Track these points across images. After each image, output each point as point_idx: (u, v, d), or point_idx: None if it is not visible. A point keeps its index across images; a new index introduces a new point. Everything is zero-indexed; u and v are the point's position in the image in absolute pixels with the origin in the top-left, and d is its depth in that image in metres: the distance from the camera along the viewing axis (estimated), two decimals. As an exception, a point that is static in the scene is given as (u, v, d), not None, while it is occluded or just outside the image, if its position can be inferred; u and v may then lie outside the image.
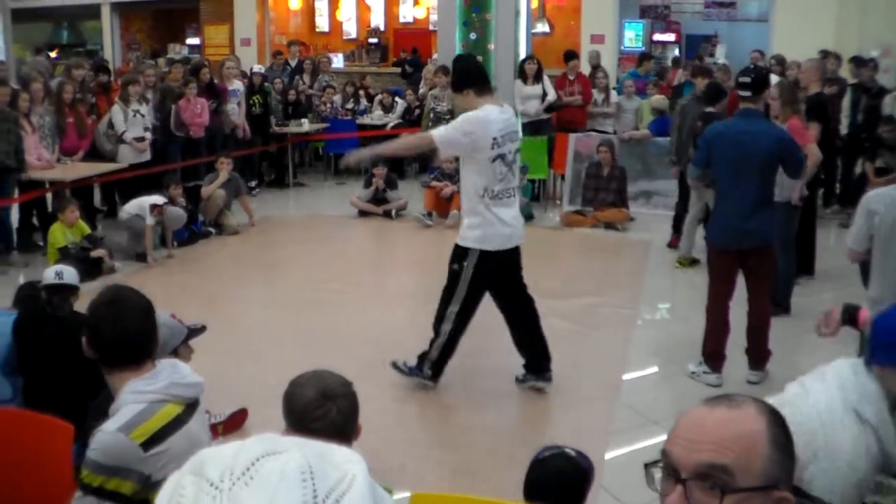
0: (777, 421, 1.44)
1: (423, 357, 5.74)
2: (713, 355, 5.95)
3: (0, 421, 3.62)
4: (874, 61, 11.88)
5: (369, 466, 0.91)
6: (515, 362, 5.92)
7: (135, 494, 2.42)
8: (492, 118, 5.31)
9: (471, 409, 5.61)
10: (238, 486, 0.82)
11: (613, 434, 5.14)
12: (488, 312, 5.78)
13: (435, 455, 4.96)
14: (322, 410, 2.41)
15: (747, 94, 5.73)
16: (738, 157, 5.59)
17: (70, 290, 4.93)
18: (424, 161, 12.09)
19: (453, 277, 5.50)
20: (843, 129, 10.48)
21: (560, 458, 3.01)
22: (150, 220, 8.83)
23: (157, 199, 8.97)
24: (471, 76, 5.55)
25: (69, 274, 4.95)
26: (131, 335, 2.60)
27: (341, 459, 0.89)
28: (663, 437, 4.98)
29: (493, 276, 5.53)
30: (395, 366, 5.84)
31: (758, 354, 5.95)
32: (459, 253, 5.47)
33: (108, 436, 2.41)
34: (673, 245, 9.50)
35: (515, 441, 4.97)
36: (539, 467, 3.00)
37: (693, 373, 6.02)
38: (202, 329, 4.25)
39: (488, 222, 5.37)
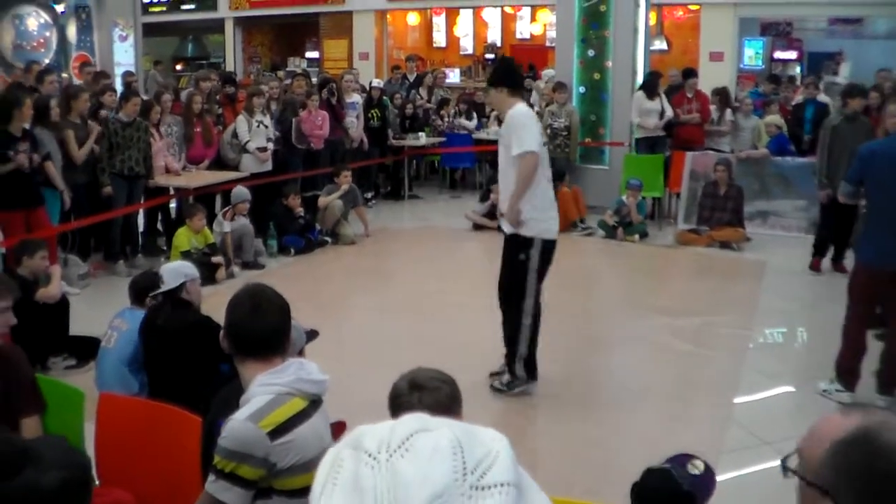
0: (862, 442, 1.42)
1: (510, 365, 5.89)
2: (849, 373, 5.86)
3: (134, 411, 3.80)
4: None
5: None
6: (628, 381, 5.90)
7: (261, 480, 2.53)
8: (530, 113, 5.89)
9: (588, 423, 5.63)
10: (395, 458, 0.90)
11: (725, 454, 5.09)
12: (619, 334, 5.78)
13: (553, 469, 5.00)
14: (407, 399, 2.56)
15: None
16: None
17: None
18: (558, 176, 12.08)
19: (520, 268, 5.69)
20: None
21: (665, 475, 2.94)
22: (226, 227, 9.12)
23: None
24: (512, 75, 6.00)
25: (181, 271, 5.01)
26: (268, 329, 2.73)
27: (487, 438, 0.95)
28: (776, 459, 4.92)
29: (547, 264, 5.78)
30: (494, 389, 5.95)
31: (891, 379, 5.82)
32: (522, 243, 5.68)
33: (238, 424, 2.53)
34: (815, 268, 9.31)
35: (629, 457, 4.97)
36: (641, 483, 2.95)
37: (825, 391, 5.93)
38: (315, 334, 4.37)
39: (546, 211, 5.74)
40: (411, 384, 2.58)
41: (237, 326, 2.75)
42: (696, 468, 2.99)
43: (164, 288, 4.78)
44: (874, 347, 5.96)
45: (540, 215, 5.70)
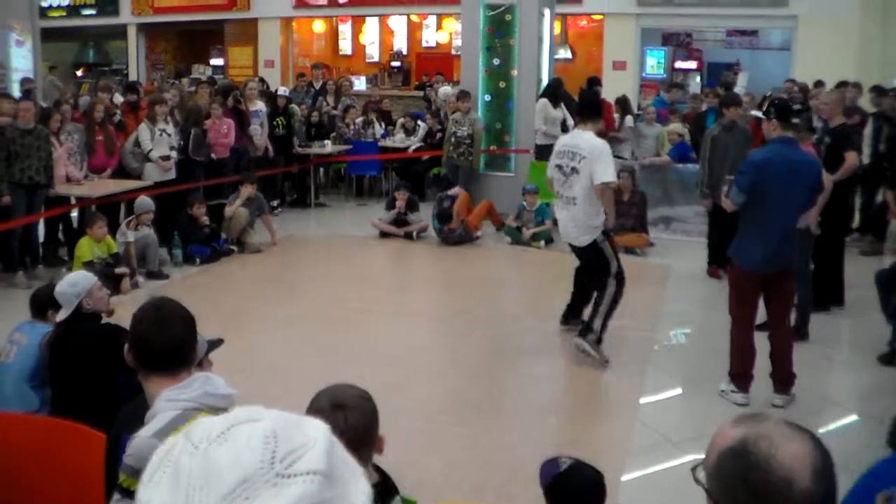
0: (741, 453, 1.50)
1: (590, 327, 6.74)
2: (740, 376, 6.00)
3: (32, 430, 3.70)
4: (895, 90, 11.91)
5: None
6: (536, 385, 5.96)
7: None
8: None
9: (493, 429, 5.67)
10: (213, 446, 0.95)
11: (632, 455, 5.18)
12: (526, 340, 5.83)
13: (457, 472, 5.01)
14: (331, 421, 2.45)
15: (795, 122, 5.87)
16: (790, 185, 5.68)
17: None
18: (445, 184, 12.17)
19: (600, 259, 6.84)
20: (865, 158, 10.49)
21: (587, 469, 3.08)
22: (130, 237, 8.98)
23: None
24: (600, 109, 7.29)
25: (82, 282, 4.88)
26: (173, 343, 2.69)
27: (309, 428, 1.01)
28: (681, 458, 5.05)
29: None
30: (583, 350, 6.68)
31: (783, 378, 5.99)
32: (594, 244, 6.80)
33: (143, 441, 2.48)
34: (714, 275, 9.48)
35: (536, 460, 5.02)
36: (565, 479, 3.06)
37: (722, 391, 6.08)
38: (220, 342, 4.31)
39: None
40: (334, 404, 2.49)
41: (141, 340, 2.70)
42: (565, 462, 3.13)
43: (61, 315, 4.63)
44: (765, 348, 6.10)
45: (598, 221, 6.74)
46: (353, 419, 2.49)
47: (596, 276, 6.93)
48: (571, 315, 7.47)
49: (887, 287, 7.04)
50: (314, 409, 2.48)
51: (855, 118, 10.08)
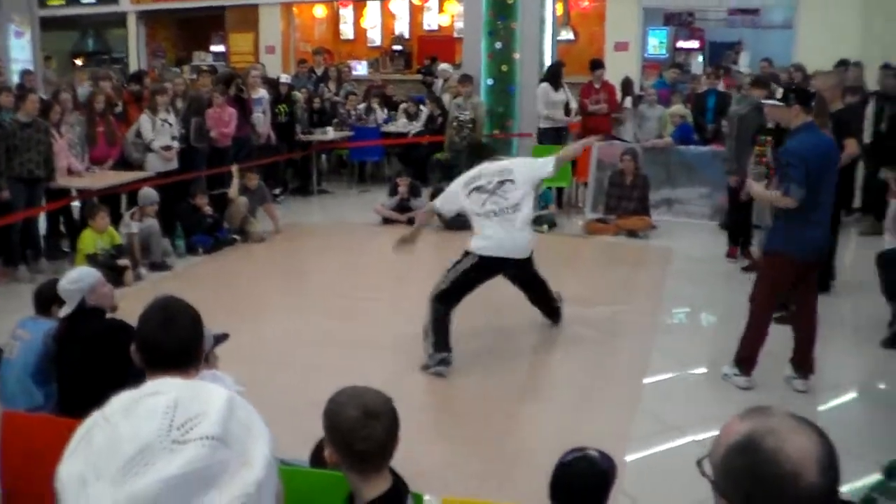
0: (748, 448, 1.51)
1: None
2: (748, 360, 6.01)
3: (41, 428, 3.71)
4: (894, 69, 11.84)
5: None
6: (538, 372, 5.98)
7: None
8: None
9: (495, 418, 5.69)
10: (120, 420, 1.04)
11: (634, 440, 5.20)
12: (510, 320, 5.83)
13: (461, 462, 5.04)
14: (367, 431, 2.41)
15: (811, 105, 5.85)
16: (830, 171, 5.75)
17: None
18: (448, 169, 12.15)
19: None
20: (866, 137, 10.46)
21: (583, 461, 3.11)
22: (133, 228, 8.98)
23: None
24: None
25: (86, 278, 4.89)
26: (181, 343, 2.71)
27: (210, 396, 1.09)
28: (682, 442, 5.06)
29: None
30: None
31: (809, 364, 6.00)
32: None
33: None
34: (732, 255, 9.51)
35: (538, 448, 5.04)
36: (563, 470, 3.10)
37: (725, 374, 6.10)
38: (225, 336, 4.32)
39: None
40: (367, 413, 2.44)
41: (148, 341, 2.72)
42: (595, 453, 3.14)
43: (64, 311, 4.65)
44: (775, 332, 6.11)
45: None
46: (388, 426, 2.47)
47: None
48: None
49: (889, 268, 7.04)
50: (346, 418, 2.44)
51: (856, 97, 10.05)
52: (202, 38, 22.74)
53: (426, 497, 2.94)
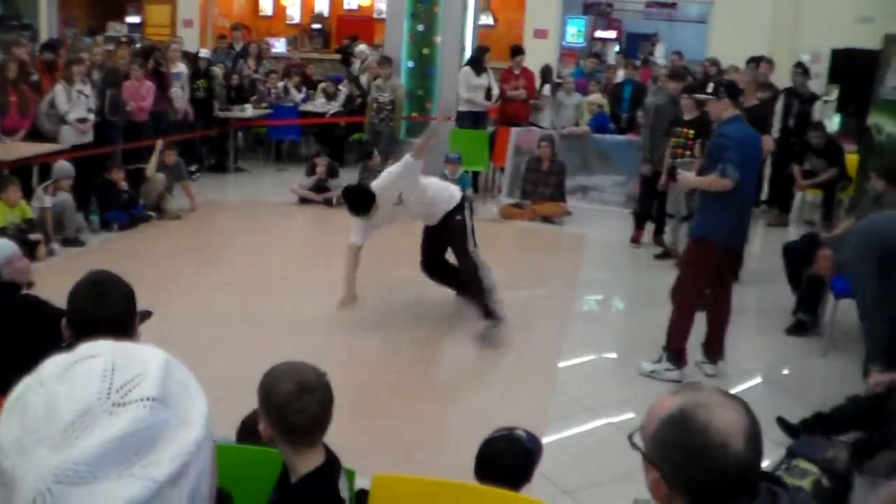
0: (680, 422, 1.61)
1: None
2: (681, 353, 6.11)
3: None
4: (804, 66, 12.25)
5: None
6: (456, 355, 6.08)
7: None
8: None
9: (419, 399, 5.78)
10: (56, 384, 1.03)
11: (551, 421, 5.33)
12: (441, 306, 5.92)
13: (384, 441, 5.10)
14: (302, 403, 2.46)
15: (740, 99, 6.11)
16: (756, 161, 6.07)
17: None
18: (366, 151, 12.17)
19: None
20: (775, 132, 10.81)
21: (509, 439, 3.22)
22: (46, 202, 8.80)
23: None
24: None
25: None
26: (113, 317, 2.69)
27: (145, 357, 1.09)
28: (598, 423, 5.21)
29: None
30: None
31: (719, 349, 6.22)
32: None
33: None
34: (636, 240, 9.76)
35: (461, 428, 5.16)
36: (489, 447, 3.21)
37: (653, 372, 6.11)
38: (149, 314, 4.30)
39: None
40: (302, 387, 2.49)
41: (81, 316, 2.69)
42: (522, 432, 3.26)
43: None
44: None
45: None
46: (322, 400, 2.52)
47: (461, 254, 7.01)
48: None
49: (794, 258, 7.32)
50: (280, 391, 2.47)
51: (767, 93, 10.37)
52: (117, 7, 22.21)
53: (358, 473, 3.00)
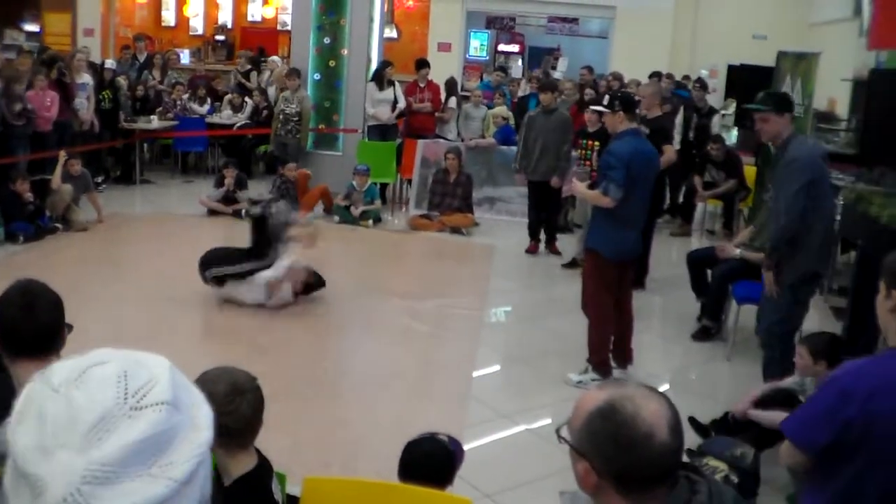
0: (609, 414, 1.72)
1: None
2: (605, 363, 6.27)
3: None
4: (702, 81, 12.71)
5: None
6: (370, 362, 6.17)
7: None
8: None
9: (333, 406, 5.88)
10: (72, 390, 1.10)
11: (468, 428, 5.45)
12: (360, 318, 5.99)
13: (303, 449, 5.15)
14: (233, 405, 2.56)
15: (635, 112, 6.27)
16: (649, 176, 6.11)
17: None
18: (271, 162, 12.18)
19: None
20: (675, 145, 11.17)
21: (430, 441, 3.35)
22: None
23: None
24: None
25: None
26: (43, 328, 2.68)
27: (152, 364, 1.18)
28: (515, 430, 5.36)
29: None
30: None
31: (628, 355, 6.42)
32: None
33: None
34: (532, 251, 10.01)
35: (377, 435, 5.25)
36: (412, 448, 3.33)
37: (580, 382, 6.21)
38: (70, 327, 4.29)
39: None
40: (235, 390, 2.58)
41: (8, 325, 2.65)
42: (444, 437, 3.40)
43: None
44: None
45: None
46: (254, 403, 2.62)
47: None
48: None
49: (697, 267, 7.62)
50: (213, 394, 2.42)
51: (667, 107, 10.72)
52: (14, 15, 21.64)
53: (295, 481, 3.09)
